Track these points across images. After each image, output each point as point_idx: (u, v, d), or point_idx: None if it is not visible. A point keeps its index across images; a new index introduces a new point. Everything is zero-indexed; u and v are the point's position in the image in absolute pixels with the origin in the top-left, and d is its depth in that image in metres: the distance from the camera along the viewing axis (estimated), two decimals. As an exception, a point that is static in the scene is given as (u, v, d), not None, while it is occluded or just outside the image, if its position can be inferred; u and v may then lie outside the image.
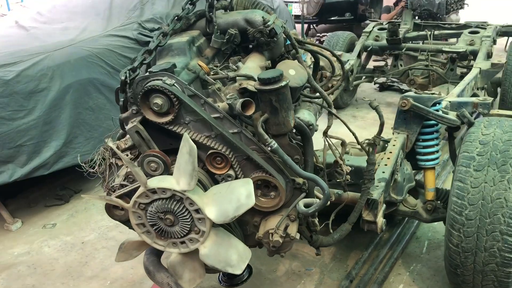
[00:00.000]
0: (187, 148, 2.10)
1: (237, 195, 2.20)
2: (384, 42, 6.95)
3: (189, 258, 2.37)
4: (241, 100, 2.25)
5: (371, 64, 7.58)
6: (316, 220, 3.05)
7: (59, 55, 5.22)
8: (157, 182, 2.22)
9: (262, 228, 2.48)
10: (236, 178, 2.41)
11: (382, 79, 7.62)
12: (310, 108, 3.06)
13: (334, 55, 3.11)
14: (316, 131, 3.14)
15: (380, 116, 3.18)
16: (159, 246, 2.35)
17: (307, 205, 2.37)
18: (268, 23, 2.69)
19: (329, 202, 2.33)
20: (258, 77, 2.25)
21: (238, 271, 2.33)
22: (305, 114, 2.94)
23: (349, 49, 7.24)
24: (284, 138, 2.39)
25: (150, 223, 2.31)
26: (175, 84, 2.29)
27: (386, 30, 6.91)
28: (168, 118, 2.30)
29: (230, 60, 2.80)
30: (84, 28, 5.83)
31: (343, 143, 3.26)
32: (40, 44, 5.40)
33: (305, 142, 2.51)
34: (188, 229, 2.29)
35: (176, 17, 2.70)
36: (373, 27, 7.26)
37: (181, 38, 2.68)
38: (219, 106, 2.34)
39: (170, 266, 2.40)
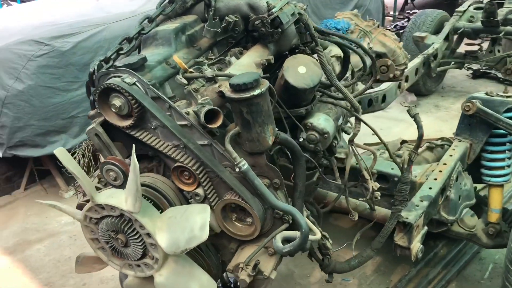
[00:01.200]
0: (132, 165, 1.71)
1: (191, 223, 1.79)
2: (478, 23, 5.93)
3: (148, 282, 2.01)
4: (206, 108, 1.80)
5: (463, 48, 6.57)
6: (329, 243, 2.54)
7: (118, 27, 5.04)
8: (105, 197, 1.87)
9: (235, 259, 2.05)
10: (205, 198, 1.98)
11: (474, 66, 6.59)
12: (331, 112, 2.51)
13: (364, 49, 2.50)
14: (336, 144, 2.60)
15: (419, 127, 2.54)
16: (115, 266, 2.03)
17: (287, 240, 1.89)
18: (273, 10, 2.17)
19: (309, 243, 1.84)
20: (229, 82, 1.78)
21: (197, 307, 1.93)
22: (320, 120, 2.41)
23: (438, 30, 6.30)
24: (260, 157, 1.91)
25: (103, 240, 1.97)
26: (137, 83, 1.89)
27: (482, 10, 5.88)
28: (128, 122, 1.92)
29: (230, 52, 2.33)
30: (148, -1, 5.60)
31: (374, 155, 2.67)
32: (102, 15, 5.26)
33: (295, 162, 2.01)
34: (141, 252, 1.92)
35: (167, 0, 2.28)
36: (469, 6, 6.22)
37: (170, 25, 2.25)
38: (189, 112, 1.91)
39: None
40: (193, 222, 1.79)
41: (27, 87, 4.57)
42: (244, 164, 1.82)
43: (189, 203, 2.03)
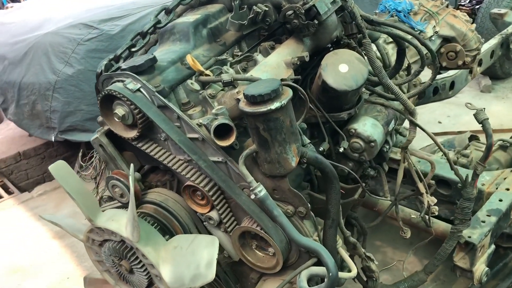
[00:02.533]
0: (130, 192, 1.43)
1: (198, 259, 1.50)
2: None
3: (158, 311, 1.75)
4: (216, 122, 1.47)
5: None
6: (374, 265, 2.17)
7: (167, 9, 4.77)
8: (105, 219, 1.61)
9: (256, 291, 1.74)
10: (221, 223, 1.67)
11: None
12: (380, 115, 2.10)
13: (422, 42, 2.04)
14: (388, 150, 2.20)
15: (488, 136, 2.07)
16: (123, 291, 1.78)
17: (314, 277, 1.56)
18: (308, -1, 1.78)
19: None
20: (243, 92, 1.44)
21: None
22: (366, 125, 2.02)
23: (520, 5, 5.52)
24: (282, 181, 1.56)
25: (108, 264, 1.73)
26: (141, 90, 1.59)
27: None
28: (134, 133, 1.64)
29: (260, 47, 1.97)
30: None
31: (432, 165, 2.24)
32: (153, -4, 5.01)
33: (328, 185, 1.64)
34: (146, 282, 1.66)
35: (188, -13, 1.94)
36: (558, -22, 5.38)
37: (190, 16, 1.92)
38: (201, 123, 1.59)
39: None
40: (200, 257, 1.49)
41: (77, 72, 4.44)
42: (261, 191, 1.49)
43: (204, 225, 1.74)
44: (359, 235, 2.40)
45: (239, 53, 1.93)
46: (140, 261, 1.62)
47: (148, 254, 1.55)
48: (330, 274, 1.43)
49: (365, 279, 2.33)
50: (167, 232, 1.74)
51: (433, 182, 2.38)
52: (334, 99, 1.93)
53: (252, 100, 1.40)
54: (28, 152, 5.61)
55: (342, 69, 1.88)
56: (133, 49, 1.85)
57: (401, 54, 2.20)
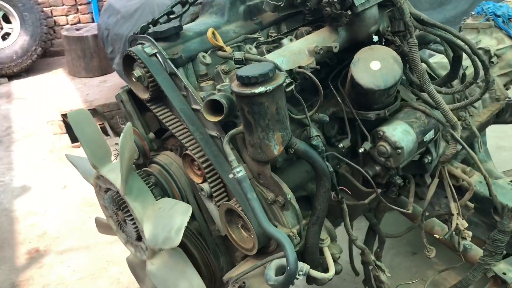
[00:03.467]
0: (120, 147, 1.53)
1: (172, 223, 1.57)
2: None
3: (145, 265, 1.87)
4: (208, 99, 1.50)
5: None
6: (384, 276, 2.09)
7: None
8: (108, 169, 1.74)
9: (233, 270, 1.76)
10: (211, 196, 1.72)
11: None
12: (416, 122, 1.97)
13: (474, 50, 1.85)
14: (431, 161, 2.06)
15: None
16: (121, 239, 1.92)
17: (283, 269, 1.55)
18: (344, -13, 1.70)
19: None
20: (236, 72, 1.45)
21: (182, 308, 1.73)
22: (396, 130, 1.92)
23: None
24: (265, 167, 1.55)
25: (110, 211, 1.87)
26: (157, 55, 1.67)
27: None
28: (146, 95, 1.73)
29: (297, 32, 1.94)
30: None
31: (470, 185, 2.06)
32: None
33: (317, 182, 1.60)
34: (136, 235, 1.77)
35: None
36: None
37: (231, -9, 1.94)
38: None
39: (129, 265, 1.96)
40: (174, 222, 1.55)
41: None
42: (240, 172, 1.49)
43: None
44: (380, 244, 2.30)
45: (274, 34, 1.92)
46: (131, 215, 1.72)
47: (134, 209, 1.65)
48: (288, 268, 1.40)
49: (374, 288, 2.24)
50: (166, 194, 1.83)
51: (471, 205, 2.18)
52: (362, 96, 1.85)
53: (240, 80, 1.40)
54: (129, 100, 6.07)
55: (373, 66, 1.79)
56: (171, 16, 1.92)
57: (455, 62, 2.01)
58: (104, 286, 3.39)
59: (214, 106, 1.54)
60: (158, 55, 1.67)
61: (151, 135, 1.89)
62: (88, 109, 6.04)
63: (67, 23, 7.36)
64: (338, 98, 1.92)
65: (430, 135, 2.01)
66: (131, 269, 1.98)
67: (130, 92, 1.85)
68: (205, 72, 1.75)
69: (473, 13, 3.02)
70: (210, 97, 1.50)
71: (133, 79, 1.72)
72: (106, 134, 5.72)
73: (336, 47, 1.78)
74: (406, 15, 1.83)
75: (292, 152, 1.53)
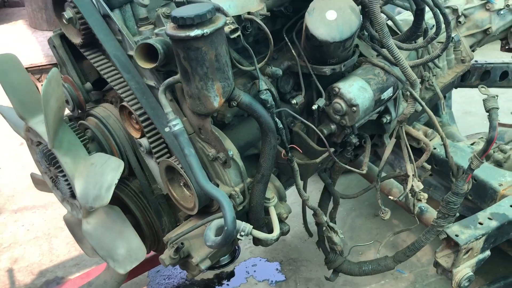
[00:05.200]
0: (42, 95, 1.37)
1: (103, 179, 1.43)
2: None
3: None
4: (140, 43, 1.34)
5: None
6: (337, 237, 2.01)
7: None
8: (37, 121, 1.57)
9: (174, 230, 1.65)
10: (151, 152, 1.58)
11: None
12: (374, 79, 1.85)
13: (435, 2, 1.72)
14: (389, 121, 1.96)
15: (491, 127, 1.76)
16: (57, 197, 1.77)
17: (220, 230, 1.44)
18: None
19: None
20: (171, 14, 1.28)
21: (120, 270, 1.62)
22: (352, 87, 1.80)
23: None
24: (205, 121, 1.41)
25: (43, 167, 1.72)
26: (90, -7, 1.49)
27: None
28: (78, 39, 1.56)
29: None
30: None
31: (427, 147, 1.98)
32: None
33: (262, 137, 1.48)
34: (70, 192, 1.63)
35: None
36: None
37: None
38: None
39: (66, 224, 1.83)
40: (104, 179, 1.41)
41: None
42: (177, 125, 1.35)
43: (138, 151, 1.65)
44: (334, 205, 2.21)
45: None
46: (62, 170, 1.57)
47: (64, 164, 1.50)
48: (226, 228, 1.29)
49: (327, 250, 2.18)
50: (104, 150, 1.68)
51: (428, 166, 2.11)
52: (317, 49, 1.71)
53: (175, 22, 1.25)
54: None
55: (329, 16, 1.65)
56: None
57: (418, 15, 1.88)
58: (59, 246, 3.27)
59: (149, 52, 1.38)
60: (92, -7, 1.49)
61: (88, 85, 1.73)
62: (50, 64, 5.78)
63: (29, -28, 6.91)
64: (293, 51, 1.78)
65: (388, 93, 1.90)
66: (69, 229, 1.85)
67: (63, 36, 1.67)
68: (146, 15, 1.58)
69: (442, -31, 2.88)
70: (144, 41, 1.34)
71: (64, 21, 1.54)
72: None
73: (287, -7, 1.63)
74: (365, -38, 1.68)
75: (235, 105, 1.39)
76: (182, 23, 1.22)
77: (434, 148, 2.54)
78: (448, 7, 2.69)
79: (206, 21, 1.24)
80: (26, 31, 6.47)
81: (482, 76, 3.34)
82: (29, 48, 6.00)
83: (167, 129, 1.36)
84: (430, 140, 2.52)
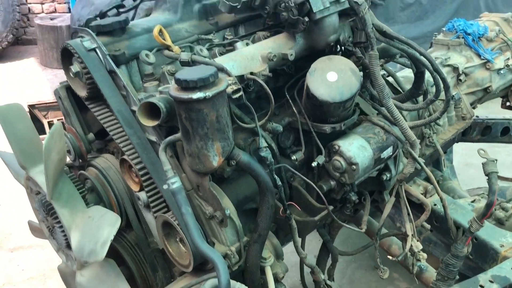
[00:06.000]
0: (44, 148, 1.38)
1: (99, 234, 1.42)
2: None
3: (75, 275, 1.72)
4: (144, 101, 1.36)
5: None
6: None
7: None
8: (38, 171, 1.58)
9: (168, 287, 1.62)
10: (148, 206, 1.57)
11: None
12: (374, 138, 1.86)
13: (435, 67, 1.75)
14: (389, 178, 1.95)
15: (491, 192, 1.75)
16: (53, 246, 1.76)
17: (217, 289, 1.41)
18: (304, -9, 1.58)
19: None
20: (174, 76, 1.31)
21: (112, 325, 1.58)
22: (352, 145, 1.80)
23: None
24: (204, 179, 1.41)
25: (41, 216, 1.71)
26: (96, 50, 1.52)
27: None
28: (84, 92, 1.58)
29: (255, 36, 1.81)
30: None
31: (426, 207, 1.96)
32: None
33: (260, 197, 1.47)
34: (66, 243, 1.62)
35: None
36: None
37: (188, -12, 1.81)
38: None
39: (60, 274, 1.80)
40: (101, 234, 1.40)
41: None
42: (175, 183, 1.35)
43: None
44: (332, 262, 2.18)
45: (230, 37, 1.79)
46: (60, 221, 1.57)
47: (62, 216, 1.50)
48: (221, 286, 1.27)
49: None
50: (102, 200, 1.68)
51: (428, 226, 2.09)
52: (317, 108, 1.73)
53: (178, 84, 1.27)
54: (99, 96, 5.87)
55: (330, 78, 1.67)
56: (121, 9, 1.78)
57: (418, 77, 1.91)
58: (53, 287, 3.21)
59: (153, 109, 1.40)
60: (97, 50, 1.52)
61: (91, 135, 1.74)
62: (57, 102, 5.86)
63: (42, 12, 7.12)
64: (294, 109, 1.80)
65: (388, 152, 1.90)
66: (62, 279, 1.83)
67: (69, 88, 1.69)
68: (151, 71, 1.61)
69: (444, 29, 2.95)
70: (147, 100, 1.36)
71: (71, 74, 1.57)
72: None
73: (292, 54, 1.66)
74: (368, 26, 1.72)
75: (234, 164, 1.40)
76: (185, 85, 1.24)
77: (434, 205, 2.52)
78: (449, 65, 2.73)
79: (208, 84, 1.26)
80: (36, 68, 6.61)
81: (483, 131, 3.35)
82: (38, 85, 6.11)
83: (165, 186, 1.36)
84: (430, 196, 2.51)
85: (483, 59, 2.84)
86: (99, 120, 1.60)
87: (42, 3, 7.13)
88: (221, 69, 1.47)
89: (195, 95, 1.24)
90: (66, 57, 1.60)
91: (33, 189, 1.68)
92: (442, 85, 1.81)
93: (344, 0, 1.66)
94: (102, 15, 1.76)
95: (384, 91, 1.77)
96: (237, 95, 1.43)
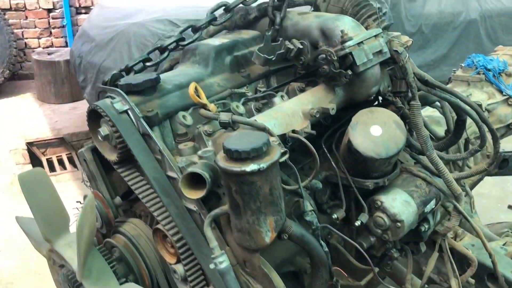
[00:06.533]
0: (77, 229, 1.24)
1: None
2: None
3: None
4: (187, 172, 1.23)
5: None
6: None
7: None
8: (64, 243, 1.44)
9: None
10: (186, 280, 1.43)
11: None
12: (417, 192, 1.74)
13: (482, 118, 1.65)
14: (428, 229, 1.83)
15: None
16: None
17: None
18: (345, 44, 1.48)
19: None
20: (223, 144, 1.19)
21: None
22: (396, 201, 1.69)
23: None
24: (254, 256, 1.28)
25: (64, 289, 1.56)
26: (128, 112, 1.40)
27: None
28: (114, 156, 1.46)
29: (289, 87, 1.71)
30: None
31: (473, 263, 1.84)
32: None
33: (313, 271, 1.34)
34: (94, 321, 1.46)
35: (224, 7, 1.72)
36: None
37: (218, 39, 1.70)
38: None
39: None
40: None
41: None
42: (223, 262, 1.22)
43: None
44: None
45: (263, 89, 1.68)
46: (88, 299, 1.42)
47: (92, 297, 1.35)
48: None
49: None
50: (132, 272, 1.54)
51: (472, 281, 1.96)
52: (360, 163, 1.62)
53: (228, 154, 1.15)
54: (100, 131, 5.73)
55: (374, 132, 1.56)
56: (147, 63, 1.66)
57: (459, 126, 1.81)
58: None
59: (194, 177, 1.28)
60: (130, 112, 1.40)
61: (118, 199, 1.61)
62: (56, 138, 5.71)
63: (39, 46, 7.00)
64: (332, 163, 1.69)
65: (431, 205, 1.79)
66: None
67: (95, 150, 1.56)
68: (184, 131, 1.49)
69: (463, 65, 2.88)
70: (190, 170, 1.23)
71: (99, 137, 1.44)
72: (74, 165, 5.35)
73: (333, 109, 1.55)
74: (410, 75, 1.63)
75: (286, 237, 1.27)
76: (237, 156, 1.12)
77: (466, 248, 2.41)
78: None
79: (262, 154, 1.14)
80: (33, 104, 6.46)
81: (501, 164, 3.25)
82: (36, 121, 5.95)
83: (212, 266, 1.23)
84: (460, 240, 2.39)
85: (505, 95, 2.77)
86: (130, 186, 1.46)
87: (39, 38, 7.01)
88: (263, 129, 1.36)
89: (248, 167, 1.12)
90: (93, 118, 1.47)
91: (56, 261, 1.53)
92: (485, 135, 1.71)
93: (386, 50, 1.56)
94: (128, 69, 1.64)
95: (427, 142, 1.67)
96: (284, 158, 1.31)
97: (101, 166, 1.60)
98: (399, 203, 1.69)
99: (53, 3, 6.83)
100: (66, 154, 5.58)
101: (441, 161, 1.67)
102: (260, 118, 1.44)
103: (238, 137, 1.20)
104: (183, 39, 1.68)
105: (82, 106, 6.26)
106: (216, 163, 1.18)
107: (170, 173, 1.39)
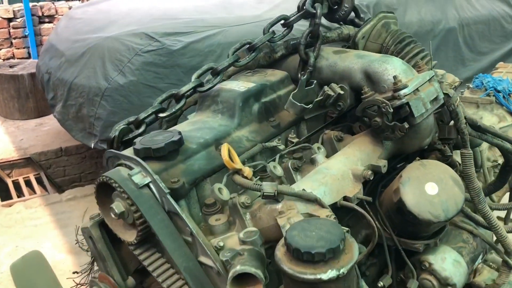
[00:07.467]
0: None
1: None
2: None
3: None
4: (238, 269, 0.97)
5: None
6: None
7: (235, 32, 4.34)
8: None
9: None
10: None
11: None
12: (465, 248, 1.54)
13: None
14: None
15: None
16: None
17: None
18: (401, 92, 1.25)
19: None
20: (286, 238, 0.93)
21: None
22: (445, 262, 1.49)
23: None
24: None
25: None
26: (150, 186, 1.12)
27: None
28: (132, 237, 1.17)
29: (324, 136, 1.46)
30: (277, 4, 4.80)
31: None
32: (223, 16, 4.60)
33: None
34: None
35: (248, 45, 1.46)
36: None
37: (242, 82, 1.44)
38: (221, 248, 1.11)
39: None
40: None
41: (128, 83, 4.08)
42: None
43: None
44: None
45: (295, 140, 1.43)
46: None
47: None
48: None
49: None
50: None
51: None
52: (411, 225, 1.40)
53: (295, 255, 0.90)
54: (70, 149, 5.37)
55: (429, 190, 1.35)
56: (161, 114, 1.38)
57: (507, 171, 1.62)
58: None
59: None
60: (152, 185, 1.13)
61: (130, 281, 1.33)
62: (22, 158, 5.27)
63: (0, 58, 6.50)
64: (376, 223, 1.46)
65: (478, 261, 1.60)
66: None
67: (103, 225, 1.28)
68: (213, 200, 1.23)
69: (471, 86, 2.72)
70: (241, 269, 0.97)
71: (113, 214, 1.16)
72: (44, 187, 4.94)
73: (385, 166, 1.32)
74: (462, 121, 1.42)
75: None
76: (308, 258, 0.88)
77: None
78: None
79: (338, 254, 0.90)
80: (-5, 121, 5.98)
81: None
82: (-1, 140, 5.50)
83: None
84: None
85: (516, 118, 2.63)
86: (151, 272, 1.19)
87: (-1, 49, 6.52)
88: (314, 200, 1.12)
89: (325, 274, 0.87)
90: (102, 190, 1.19)
91: None
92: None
93: (442, 96, 1.34)
94: (139, 122, 1.36)
95: (480, 195, 1.47)
96: (362, 256, 1.09)
97: (110, 242, 1.31)
98: (450, 264, 1.49)
99: (14, 12, 6.33)
100: (34, 175, 5.16)
101: (494, 216, 1.48)
102: (307, 186, 1.19)
103: (302, 228, 0.95)
104: (202, 85, 1.41)
105: (49, 122, 5.83)
106: (278, 264, 0.93)
107: (203, 259, 1.12)
